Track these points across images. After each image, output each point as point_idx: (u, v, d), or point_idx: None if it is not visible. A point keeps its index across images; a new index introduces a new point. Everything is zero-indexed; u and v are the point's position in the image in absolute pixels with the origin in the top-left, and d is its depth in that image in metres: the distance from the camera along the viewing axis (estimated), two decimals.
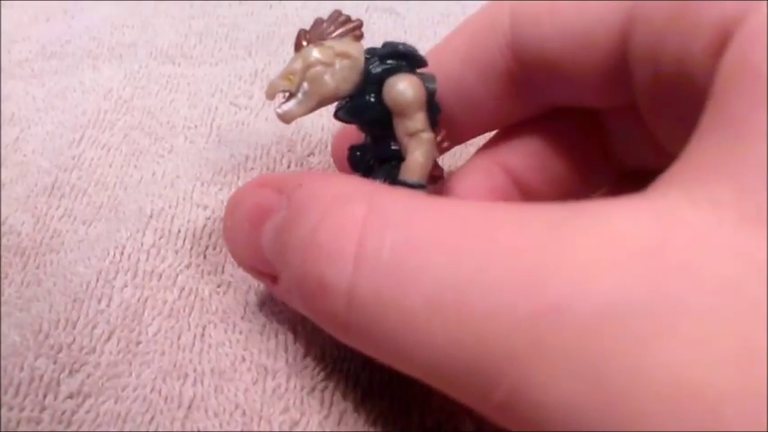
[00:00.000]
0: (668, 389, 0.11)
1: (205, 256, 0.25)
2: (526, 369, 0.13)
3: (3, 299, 0.24)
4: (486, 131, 0.24)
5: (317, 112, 0.30)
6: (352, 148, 0.21)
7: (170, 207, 0.25)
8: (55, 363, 0.21)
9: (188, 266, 0.24)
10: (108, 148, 0.30)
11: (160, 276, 0.24)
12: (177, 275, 0.24)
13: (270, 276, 0.19)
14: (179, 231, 0.25)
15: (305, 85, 0.19)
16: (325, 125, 0.29)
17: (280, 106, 0.19)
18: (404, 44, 0.20)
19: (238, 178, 0.27)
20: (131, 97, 0.33)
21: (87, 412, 0.21)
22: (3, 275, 0.25)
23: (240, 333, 0.22)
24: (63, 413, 0.20)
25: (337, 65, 0.19)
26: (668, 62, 0.16)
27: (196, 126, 0.32)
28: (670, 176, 0.14)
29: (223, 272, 0.24)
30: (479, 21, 0.20)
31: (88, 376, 0.21)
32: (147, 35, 0.37)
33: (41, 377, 0.21)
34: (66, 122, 0.32)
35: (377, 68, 0.19)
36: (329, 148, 0.28)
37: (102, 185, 0.29)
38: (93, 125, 0.32)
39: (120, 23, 0.38)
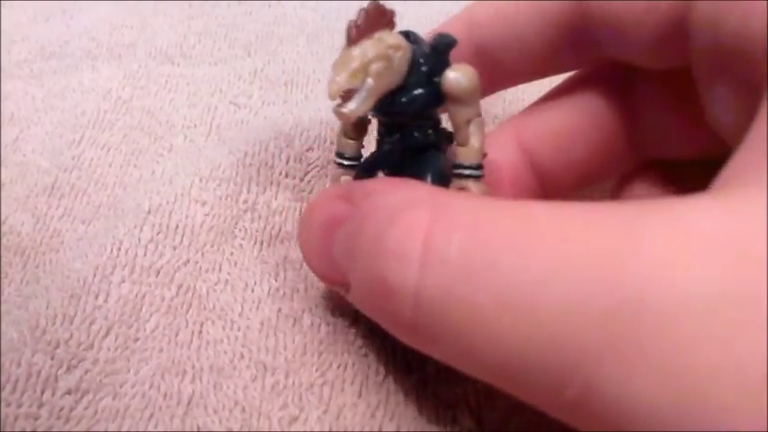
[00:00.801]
0: (754, 383, 0.11)
1: (203, 254, 0.24)
2: (600, 364, 0.12)
3: (2, 298, 0.24)
4: (532, 80, 0.24)
5: (316, 106, 0.30)
6: (366, 164, 0.21)
7: (168, 203, 0.25)
8: (53, 359, 0.21)
9: (186, 263, 0.24)
10: (107, 148, 0.31)
11: (158, 272, 0.24)
12: (175, 272, 0.24)
13: (343, 284, 0.19)
14: (177, 227, 0.25)
15: (369, 81, 0.18)
16: (323, 119, 0.29)
17: (342, 105, 0.18)
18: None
19: (236, 174, 0.26)
20: (131, 97, 0.33)
21: (86, 408, 0.20)
22: (3, 275, 0.25)
23: (238, 330, 0.22)
24: (61, 409, 0.20)
25: (395, 58, 0.18)
26: (727, 35, 0.16)
27: (195, 125, 0.32)
28: (738, 168, 0.14)
29: (221, 269, 0.24)
30: None
31: (86, 372, 0.21)
32: (146, 35, 0.37)
33: (39, 373, 0.21)
34: (65, 122, 0.32)
35: (424, 58, 0.19)
36: (328, 142, 0.28)
37: (101, 185, 0.29)
38: (93, 125, 0.32)
39: (119, 23, 0.38)
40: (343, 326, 0.22)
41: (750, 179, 0.13)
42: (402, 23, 0.39)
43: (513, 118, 0.24)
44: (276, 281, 0.24)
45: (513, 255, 0.14)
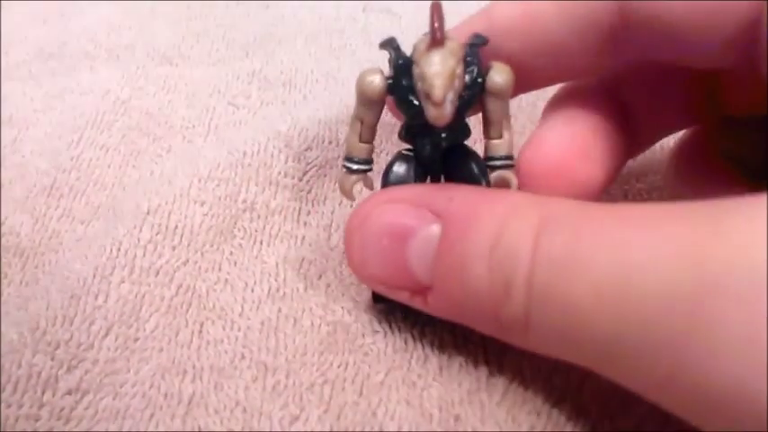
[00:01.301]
0: None
1: (202, 253, 0.25)
2: (688, 342, 0.13)
3: (2, 299, 0.24)
4: (560, 82, 0.24)
5: (314, 106, 0.30)
6: (400, 158, 0.21)
7: (167, 203, 0.25)
8: (53, 359, 0.21)
9: (185, 263, 0.24)
10: (106, 149, 0.31)
11: (157, 272, 0.24)
12: (174, 272, 0.24)
13: (416, 290, 0.19)
14: (176, 227, 0.25)
15: (456, 83, 0.18)
16: (321, 119, 0.29)
17: (437, 108, 0.18)
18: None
19: (235, 174, 0.26)
20: (129, 98, 0.33)
21: (86, 409, 0.20)
22: (2, 276, 0.25)
23: (239, 330, 0.22)
24: (62, 410, 0.20)
25: (462, 62, 0.19)
26: None
27: (194, 126, 0.32)
28: None
29: (220, 269, 0.24)
30: None
31: (86, 372, 0.21)
32: (144, 36, 0.38)
33: (39, 374, 0.21)
34: (64, 123, 0.32)
35: (471, 60, 0.19)
36: (326, 142, 0.28)
37: (100, 186, 0.29)
38: (92, 126, 0.32)
39: (118, 24, 0.38)
40: (344, 325, 0.22)
41: None
42: (399, 24, 0.39)
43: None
44: (276, 281, 0.24)
45: (609, 249, 0.15)
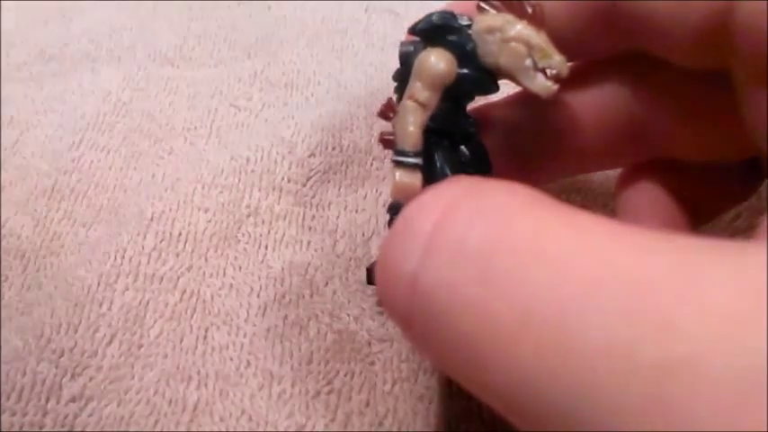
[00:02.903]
0: None
1: (206, 259, 0.24)
2: (625, 418, 0.11)
3: (3, 302, 0.24)
4: None
5: (317, 112, 0.30)
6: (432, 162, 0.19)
7: (171, 210, 0.25)
8: (57, 367, 0.21)
9: (189, 269, 0.24)
10: (107, 151, 0.30)
11: (161, 279, 0.24)
12: (178, 278, 0.24)
13: None
14: (180, 234, 0.25)
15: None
16: (324, 126, 0.29)
17: (550, 82, 0.18)
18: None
19: (239, 180, 0.26)
20: (130, 99, 0.33)
21: (90, 416, 0.20)
22: (3, 278, 0.25)
23: (244, 336, 0.22)
24: (65, 417, 0.20)
25: None
26: None
27: (196, 128, 0.32)
28: None
29: (224, 274, 0.24)
30: None
31: (90, 380, 0.21)
32: (145, 37, 0.37)
33: (44, 381, 0.21)
34: (65, 125, 0.32)
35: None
36: (329, 148, 0.28)
37: (101, 188, 0.29)
38: (93, 128, 0.31)
39: (119, 26, 0.38)
40: (350, 334, 0.22)
41: None
42: (401, 24, 0.39)
43: (508, 97, 0.22)
44: (282, 286, 0.24)
45: (551, 266, 0.12)
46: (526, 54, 0.17)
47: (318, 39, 0.37)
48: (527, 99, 0.21)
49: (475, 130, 0.20)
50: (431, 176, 0.18)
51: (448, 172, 0.19)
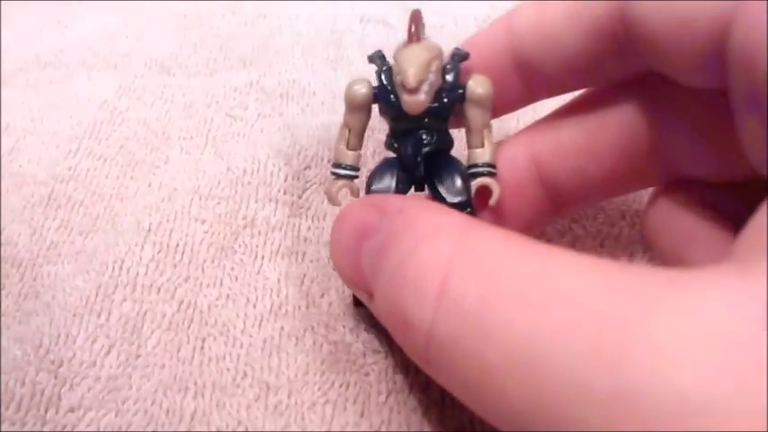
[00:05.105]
0: None
1: (203, 270, 0.25)
2: None
3: (1, 311, 0.24)
4: (573, 89, 0.23)
5: (313, 123, 0.31)
6: (384, 164, 0.22)
7: (168, 221, 0.25)
8: (56, 377, 0.21)
9: (186, 280, 0.24)
10: (104, 159, 0.31)
11: (159, 290, 0.24)
12: (176, 289, 0.24)
13: (367, 292, 0.19)
14: (177, 245, 0.25)
15: (431, 77, 0.20)
16: (321, 138, 0.29)
17: (411, 95, 0.19)
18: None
19: (235, 192, 0.27)
20: (126, 108, 0.33)
21: (88, 426, 0.21)
22: (0, 287, 0.25)
23: (241, 347, 0.23)
24: (64, 427, 0.21)
25: (440, 61, 0.20)
26: (763, 66, 0.15)
27: (192, 137, 0.32)
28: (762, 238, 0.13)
29: (222, 285, 0.24)
30: None
31: (89, 390, 0.21)
32: (141, 45, 0.37)
33: (42, 392, 0.21)
34: (61, 133, 0.32)
35: (448, 66, 0.21)
36: (325, 161, 0.28)
37: (98, 196, 0.29)
38: (89, 135, 0.32)
39: (115, 33, 0.38)
40: (345, 345, 0.23)
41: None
42: (395, 35, 0.39)
43: (527, 129, 0.23)
44: (278, 297, 0.24)
45: (529, 312, 0.14)
46: (396, 72, 0.20)
47: (313, 49, 0.38)
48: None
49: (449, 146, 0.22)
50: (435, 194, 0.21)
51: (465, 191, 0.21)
